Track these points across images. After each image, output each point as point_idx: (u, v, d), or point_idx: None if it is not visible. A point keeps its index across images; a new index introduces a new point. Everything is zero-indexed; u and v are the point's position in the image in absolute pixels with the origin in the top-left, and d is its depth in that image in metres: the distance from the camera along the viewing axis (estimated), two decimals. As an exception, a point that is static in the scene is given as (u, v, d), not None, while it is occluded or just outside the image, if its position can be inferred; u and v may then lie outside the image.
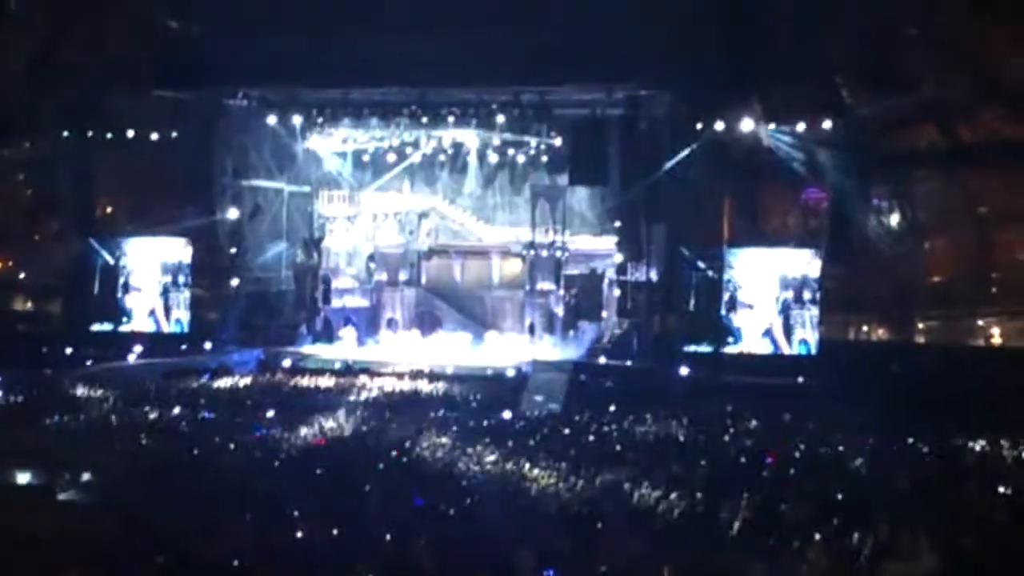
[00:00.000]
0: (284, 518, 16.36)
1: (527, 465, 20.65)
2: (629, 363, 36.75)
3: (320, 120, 42.04)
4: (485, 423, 26.66)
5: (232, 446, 22.96)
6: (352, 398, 30.49)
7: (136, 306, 41.65)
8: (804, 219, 38.62)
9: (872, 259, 37.74)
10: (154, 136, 40.84)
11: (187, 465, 21.46)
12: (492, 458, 21.48)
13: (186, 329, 41.12)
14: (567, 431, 25.70)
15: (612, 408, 28.53)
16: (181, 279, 41.34)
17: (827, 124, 36.70)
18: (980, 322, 38.21)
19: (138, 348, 38.65)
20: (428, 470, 20.88)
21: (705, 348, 37.18)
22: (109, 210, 44.54)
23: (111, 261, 41.85)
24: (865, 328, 39.15)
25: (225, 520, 16.14)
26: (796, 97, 36.84)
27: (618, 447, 23.65)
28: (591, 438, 24.87)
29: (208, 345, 39.54)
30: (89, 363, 35.47)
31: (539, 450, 22.43)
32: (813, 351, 36.41)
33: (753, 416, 27.46)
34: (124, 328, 41.44)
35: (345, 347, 41.26)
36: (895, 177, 38.25)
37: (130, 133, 40.95)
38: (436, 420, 26.55)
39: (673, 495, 18.13)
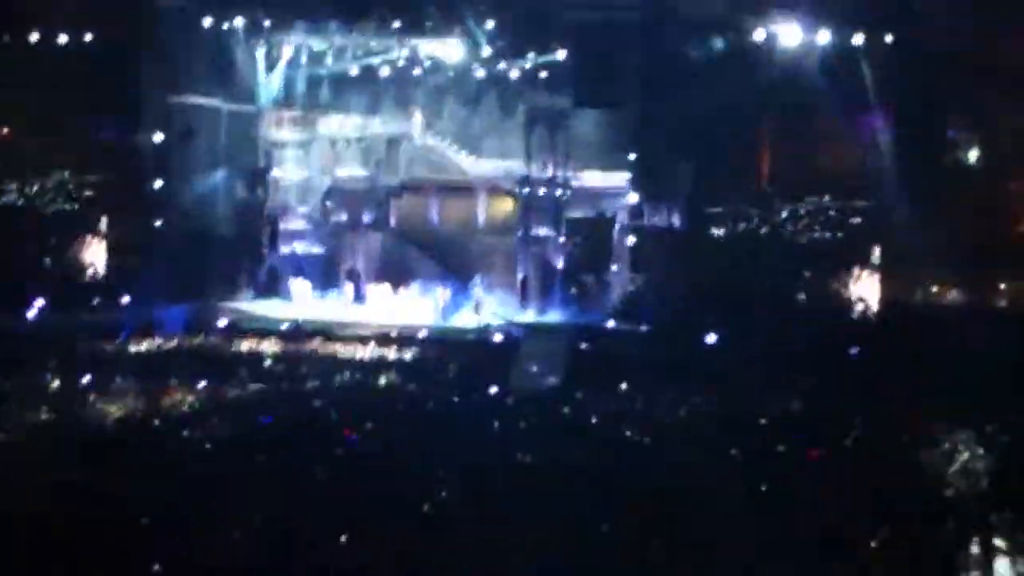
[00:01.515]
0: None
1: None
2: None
3: (268, 24, 41.84)
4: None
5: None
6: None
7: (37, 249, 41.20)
8: (862, 154, 38.23)
9: (944, 206, 37.38)
10: (63, 39, 40.48)
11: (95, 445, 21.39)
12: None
13: (99, 278, 40.79)
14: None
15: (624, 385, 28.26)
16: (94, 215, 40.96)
17: (890, 36, 36.34)
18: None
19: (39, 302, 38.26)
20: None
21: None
22: (6, 131, 44.04)
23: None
24: (934, 289, 38.92)
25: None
26: (854, 1, 36.54)
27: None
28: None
29: (126, 299, 39.08)
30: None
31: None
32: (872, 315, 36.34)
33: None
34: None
35: (295, 304, 41.01)
36: (976, 103, 37.91)
37: (34, 36, 40.67)
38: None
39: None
